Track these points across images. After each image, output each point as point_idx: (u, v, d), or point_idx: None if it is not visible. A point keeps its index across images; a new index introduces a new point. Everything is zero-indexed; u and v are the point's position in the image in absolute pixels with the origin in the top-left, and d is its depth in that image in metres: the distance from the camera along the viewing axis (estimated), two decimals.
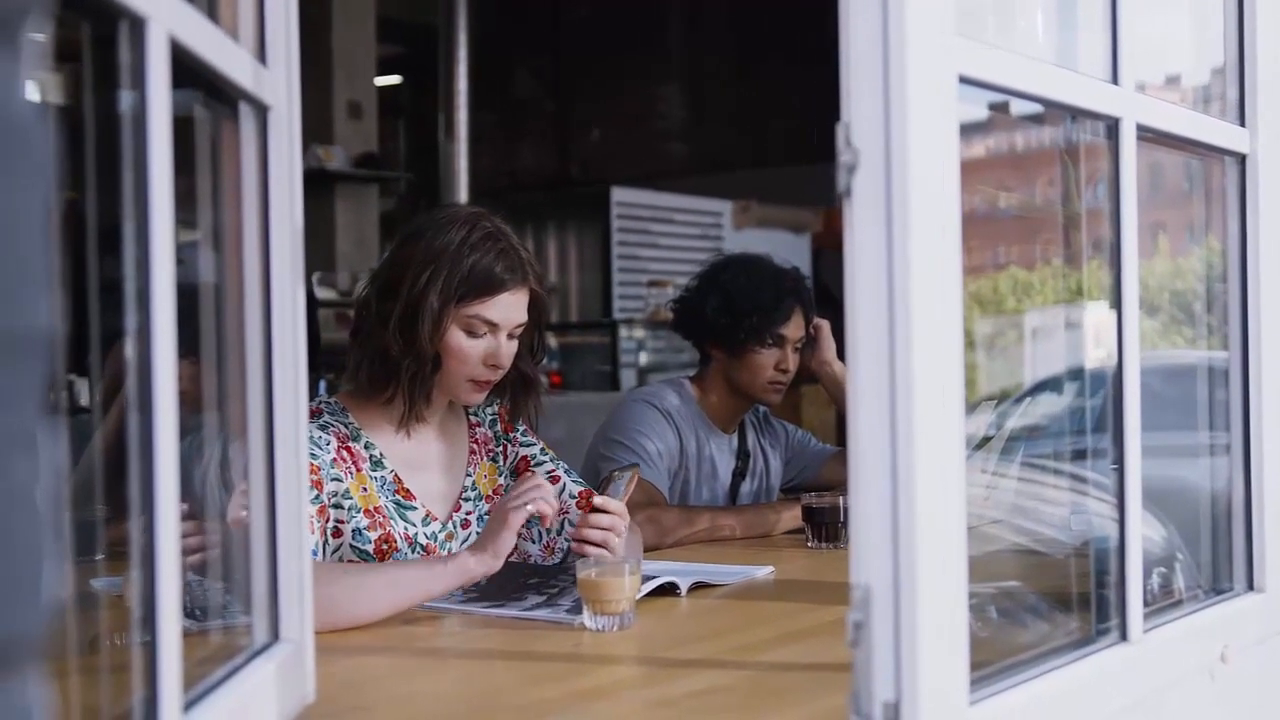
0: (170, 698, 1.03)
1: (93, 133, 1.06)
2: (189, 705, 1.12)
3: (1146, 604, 1.57)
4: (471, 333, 2.21)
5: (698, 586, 2.21)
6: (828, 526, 2.68)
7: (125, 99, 1.03)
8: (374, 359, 2.23)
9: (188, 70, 1.13)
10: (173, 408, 1.04)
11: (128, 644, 1.41)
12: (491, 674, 1.71)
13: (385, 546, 2.19)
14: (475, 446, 2.41)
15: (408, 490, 2.26)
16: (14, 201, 0.56)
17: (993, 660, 1.36)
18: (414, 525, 2.25)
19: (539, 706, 1.54)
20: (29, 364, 0.57)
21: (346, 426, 2.24)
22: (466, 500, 2.36)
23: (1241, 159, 1.84)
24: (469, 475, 2.37)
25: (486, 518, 2.33)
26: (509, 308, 2.23)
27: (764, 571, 2.38)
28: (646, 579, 2.06)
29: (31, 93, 0.59)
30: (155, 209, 1.03)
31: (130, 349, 1.04)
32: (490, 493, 2.39)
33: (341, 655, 1.74)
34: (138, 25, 1.01)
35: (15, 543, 0.56)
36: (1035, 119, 1.76)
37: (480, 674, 1.72)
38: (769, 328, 3.01)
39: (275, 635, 1.39)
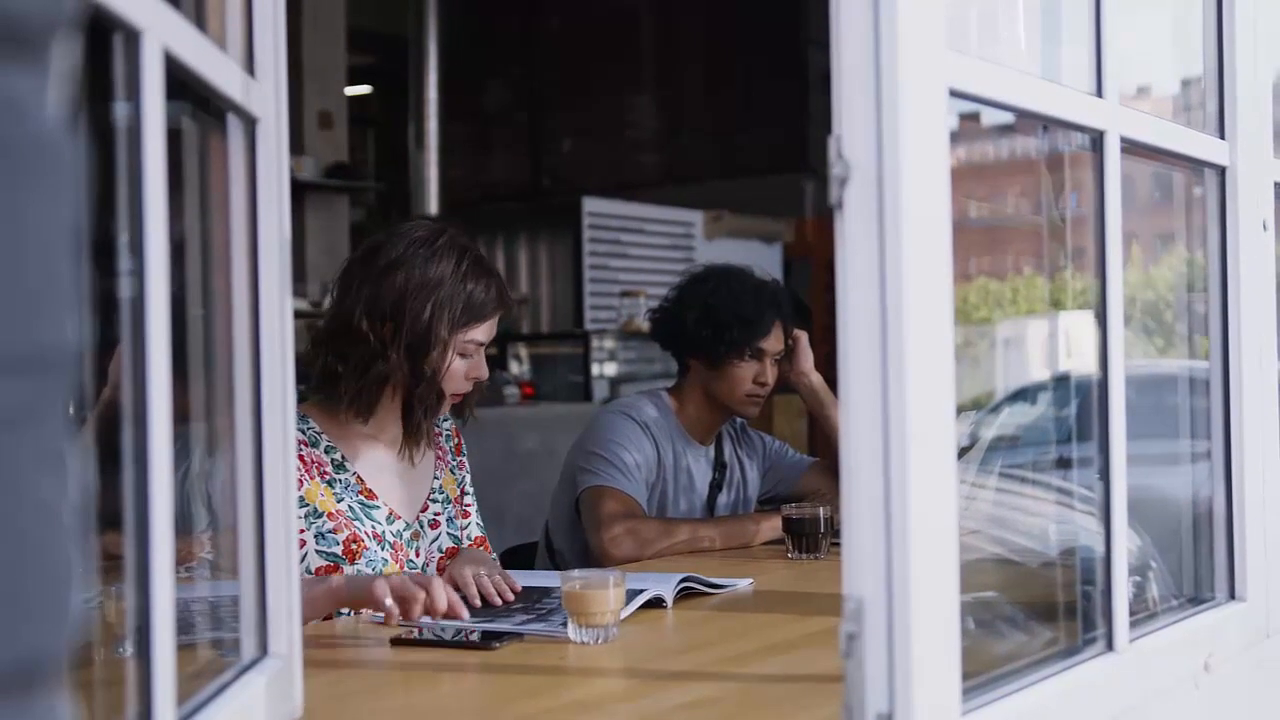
0: (164, 713, 1.03)
1: (84, 144, 1.05)
2: None
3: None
4: (463, 355, 2.32)
5: (685, 593, 2.21)
6: (808, 537, 2.68)
7: (119, 110, 1.03)
8: (375, 384, 2.28)
9: (178, 82, 1.12)
10: (166, 420, 1.03)
11: (112, 658, 1.40)
12: (478, 688, 1.71)
13: (354, 546, 2.25)
14: (440, 452, 2.49)
15: (370, 490, 2.32)
16: (44, 217, 0.56)
17: (983, 671, 1.37)
18: (379, 523, 2.30)
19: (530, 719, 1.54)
20: (56, 381, 0.56)
21: (304, 432, 2.27)
22: (435, 501, 2.44)
23: (1221, 170, 1.85)
24: (436, 478, 2.45)
25: (453, 521, 2.45)
26: (494, 327, 2.37)
27: (745, 583, 2.38)
28: (632, 593, 2.06)
29: (59, 110, 0.58)
30: (150, 220, 1.02)
31: (124, 361, 1.03)
32: (452, 498, 2.48)
33: (329, 670, 1.73)
34: (132, 37, 1.00)
35: (45, 560, 0.55)
36: (1005, 129, 1.77)
37: (467, 688, 1.71)
38: (749, 341, 3.01)
39: (264, 650, 1.38)
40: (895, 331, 1.17)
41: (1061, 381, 2.04)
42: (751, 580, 2.40)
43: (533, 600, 2.16)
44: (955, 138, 1.55)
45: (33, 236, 0.55)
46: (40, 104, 0.57)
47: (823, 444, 3.51)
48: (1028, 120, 1.62)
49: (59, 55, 0.59)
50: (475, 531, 2.50)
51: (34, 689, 0.54)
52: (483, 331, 2.33)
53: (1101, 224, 1.56)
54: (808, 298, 7.48)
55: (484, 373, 2.36)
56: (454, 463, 2.52)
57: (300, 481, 2.22)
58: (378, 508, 2.32)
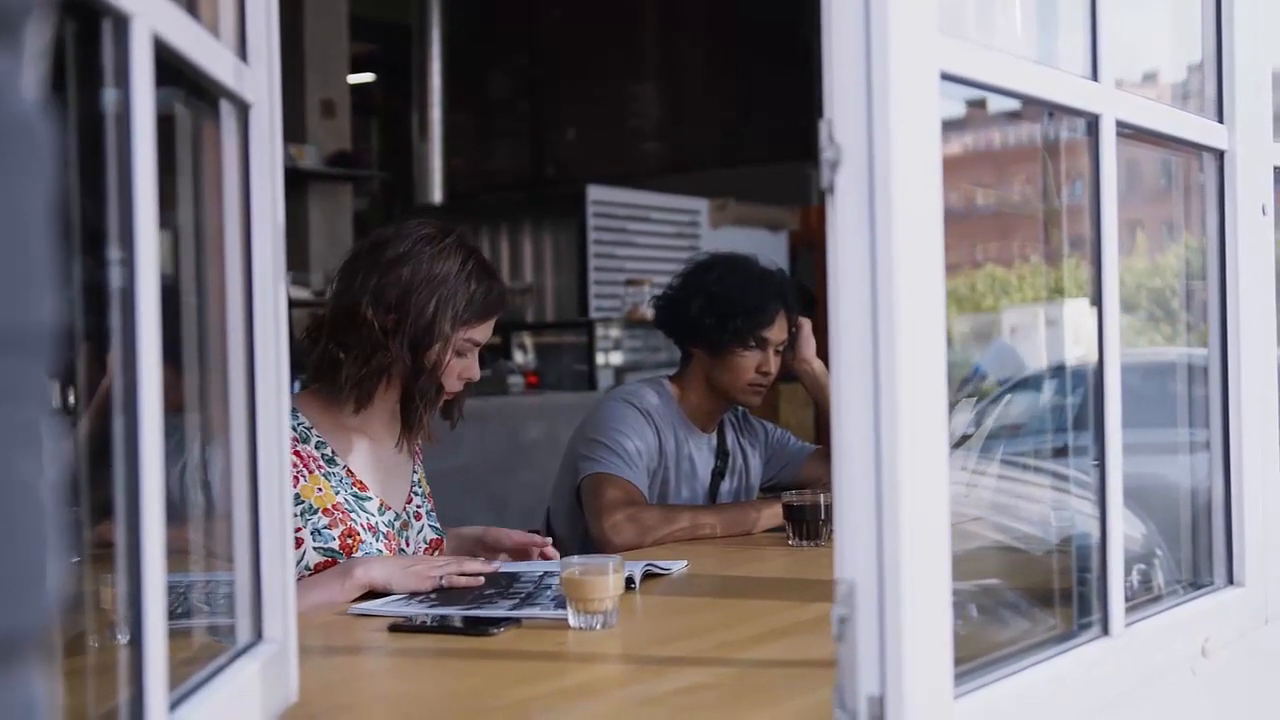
0: (156, 697, 1.03)
1: (73, 130, 1.05)
2: (174, 705, 1.11)
3: (1127, 599, 1.58)
4: (460, 353, 2.35)
5: (649, 576, 2.27)
6: (808, 524, 2.68)
7: (108, 96, 1.03)
8: (375, 374, 2.31)
9: (169, 68, 1.12)
10: (157, 408, 1.04)
11: (108, 645, 1.40)
12: (475, 673, 1.71)
13: (350, 541, 2.28)
14: (417, 450, 2.53)
15: (361, 482, 2.35)
16: (19, 198, 0.56)
17: (977, 655, 1.37)
18: (372, 515, 2.34)
19: (524, 705, 1.54)
20: (33, 359, 0.57)
21: (295, 429, 2.28)
22: (416, 494, 2.48)
23: (1220, 155, 1.85)
24: (415, 472, 2.50)
25: (432, 514, 2.50)
26: (490, 329, 2.41)
27: (679, 566, 2.41)
28: None
29: (33, 90, 0.59)
30: (139, 207, 1.02)
31: (113, 350, 1.03)
32: (427, 494, 2.53)
33: (325, 655, 1.74)
34: (121, 23, 1.00)
35: (21, 537, 0.56)
36: (1012, 116, 1.77)
37: (464, 673, 1.71)
38: (753, 330, 3.01)
39: (259, 635, 1.39)
40: (886, 315, 1.17)
41: (1066, 369, 2.03)
42: (687, 562, 2.43)
43: (504, 586, 2.16)
44: (962, 124, 1.54)
45: (7, 217, 0.56)
46: (14, 85, 0.57)
47: (827, 432, 3.50)
48: (1026, 105, 1.61)
49: (33, 37, 0.59)
50: (430, 535, 2.50)
51: (8, 665, 0.55)
52: (481, 332, 2.36)
53: (1097, 209, 1.56)
54: (814, 286, 7.48)
55: (475, 374, 2.41)
56: (422, 461, 2.57)
57: (297, 478, 2.24)
58: (370, 499, 2.35)
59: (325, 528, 2.25)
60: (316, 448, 2.31)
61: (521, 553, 2.46)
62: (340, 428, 2.36)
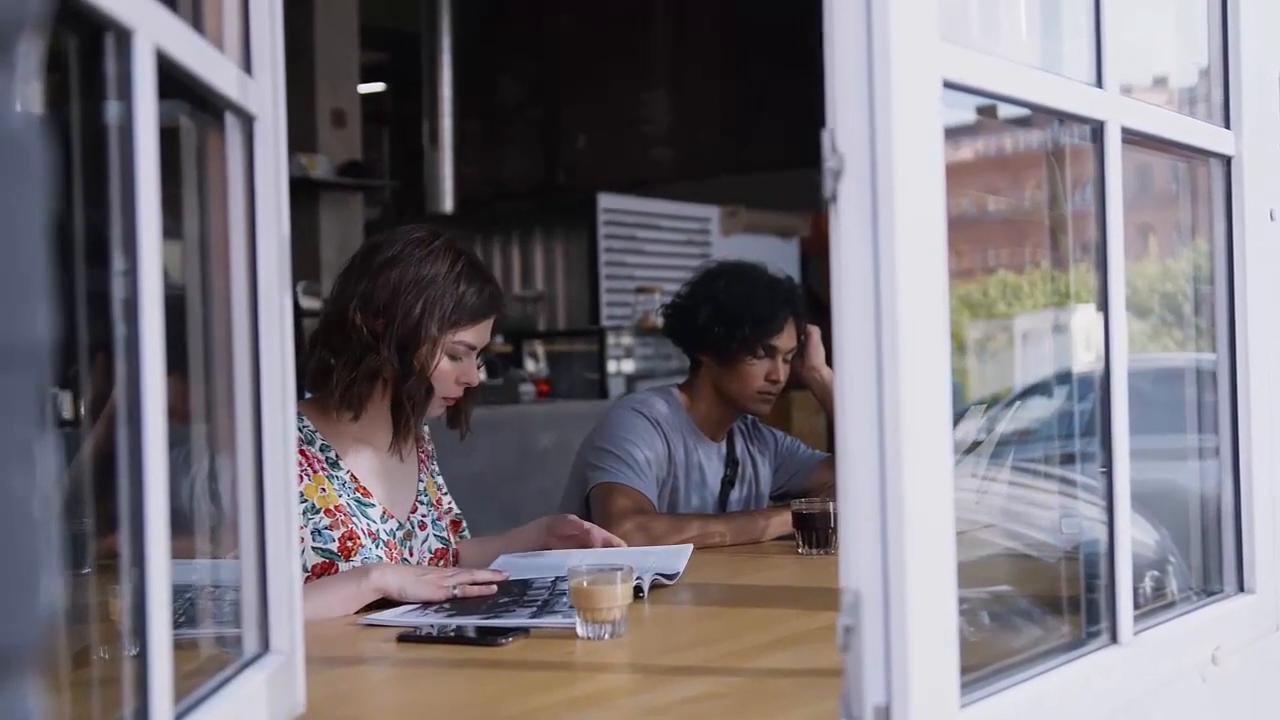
0: (161, 708, 1.03)
1: (77, 143, 1.05)
2: (180, 716, 1.11)
3: (1138, 607, 1.58)
4: (453, 356, 2.35)
5: (656, 586, 2.26)
6: (817, 532, 2.68)
7: (111, 109, 1.03)
8: (365, 379, 2.30)
9: (173, 80, 1.13)
10: (161, 419, 1.04)
11: (116, 656, 1.41)
12: (484, 683, 1.71)
13: (350, 544, 2.28)
14: (423, 457, 2.53)
15: (365, 489, 2.35)
16: (12, 214, 0.56)
17: (984, 663, 1.36)
18: (374, 522, 2.34)
19: (533, 715, 1.54)
20: (26, 375, 0.57)
21: (300, 431, 2.29)
22: (422, 503, 2.47)
23: (1227, 161, 1.84)
24: (420, 481, 2.49)
25: (438, 523, 2.49)
26: (487, 332, 2.39)
27: (685, 552, 2.44)
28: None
29: (27, 105, 0.59)
30: (142, 220, 1.02)
31: (118, 361, 1.03)
32: (434, 502, 2.51)
33: (332, 666, 1.74)
34: (124, 36, 1.01)
35: (13, 553, 0.56)
36: (1022, 122, 1.77)
37: (472, 683, 1.71)
38: (762, 339, 3.01)
39: (265, 646, 1.39)
40: (889, 325, 1.17)
41: (1078, 376, 2.03)
42: (690, 547, 2.46)
43: (518, 594, 2.16)
44: (973, 131, 1.54)
45: (1, 233, 0.56)
46: (8, 101, 0.57)
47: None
48: (1032, 112, 1.61)
49: (26, 53, 0.59)
50: (437, 537, 2.51)
51: (2, 679, 0.55)
52: (473, 334, 2.35)
53: (1103, 215, 1.55)
54: (825, 294, 7.47)
55: (474, 378, 2.38)
56: (433, 467, 2.56)
57: (301, 477, 2.24)
58: (373, 506, 2.35)
59: (326, 528, 2.25)
60: (321, 450, 2.32)
61: (582, 541, 2.49)
62: (343, 435, 2.36)
